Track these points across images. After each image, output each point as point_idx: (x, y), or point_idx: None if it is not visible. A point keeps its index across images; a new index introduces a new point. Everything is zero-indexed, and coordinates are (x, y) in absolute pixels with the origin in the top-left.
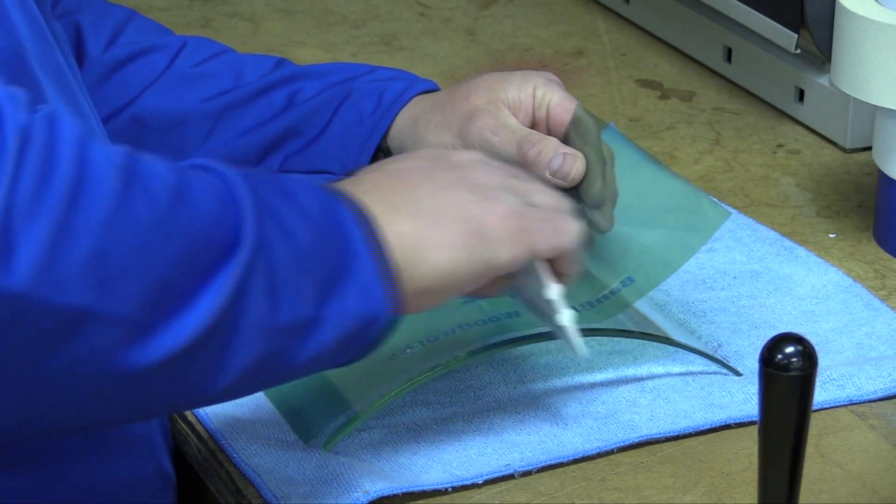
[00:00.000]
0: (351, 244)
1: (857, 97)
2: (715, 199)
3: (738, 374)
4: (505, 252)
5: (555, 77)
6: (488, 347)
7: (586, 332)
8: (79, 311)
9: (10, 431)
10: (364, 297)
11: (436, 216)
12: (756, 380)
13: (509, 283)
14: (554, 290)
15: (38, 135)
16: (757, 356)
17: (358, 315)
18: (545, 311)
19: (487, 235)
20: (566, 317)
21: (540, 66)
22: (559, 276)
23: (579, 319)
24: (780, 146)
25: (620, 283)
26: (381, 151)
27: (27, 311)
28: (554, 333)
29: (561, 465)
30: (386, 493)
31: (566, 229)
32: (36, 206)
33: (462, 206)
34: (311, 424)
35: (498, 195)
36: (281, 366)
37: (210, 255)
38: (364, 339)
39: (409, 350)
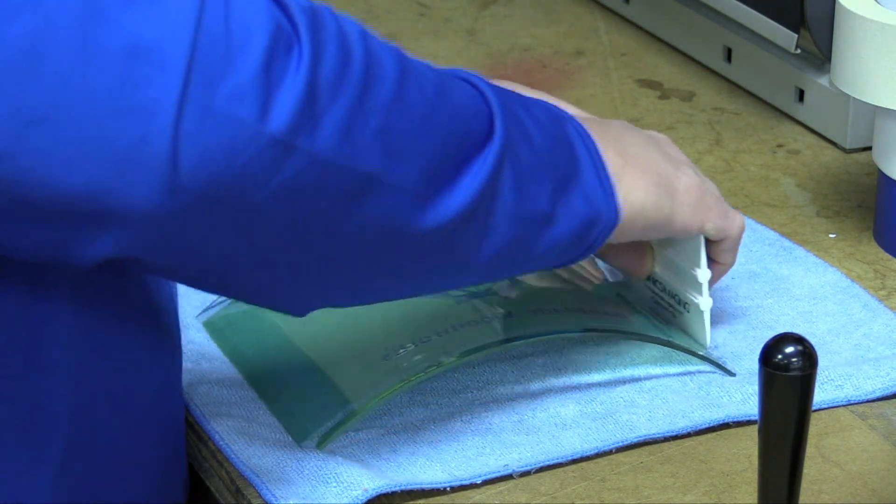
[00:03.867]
0: (576, 154)
1: (857, 97)
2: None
3: (732, 374)
4: (684, 216)
5: None
6: (482, 348)
7: (582, 332)
8: (370, 175)
9: (306, 299)
10: (588, 200)
11: (637, 160)
12: (754, 380)
13: (662, 259)
14: (705, 273)
15: (329, 21)
16: (754, 356)
17: (583, 216)
18: (684, 293)
19: (674, 195)
20: (706, 302)
21: (540, 66)
22: (713, 263)
23: (579, 320)
24: (780, 146)
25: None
26: None
27: (330, 174)
28: (680, 321)
29: (560, 465)
30: (385, 490)
31: (735, 217)
32: (338, 85)
33: (658, 163)
34: (306, 424)
35: (685, 168)
36: (525, 252)
37: (471, 142)
38: (587, 239)
39: (402, 350)
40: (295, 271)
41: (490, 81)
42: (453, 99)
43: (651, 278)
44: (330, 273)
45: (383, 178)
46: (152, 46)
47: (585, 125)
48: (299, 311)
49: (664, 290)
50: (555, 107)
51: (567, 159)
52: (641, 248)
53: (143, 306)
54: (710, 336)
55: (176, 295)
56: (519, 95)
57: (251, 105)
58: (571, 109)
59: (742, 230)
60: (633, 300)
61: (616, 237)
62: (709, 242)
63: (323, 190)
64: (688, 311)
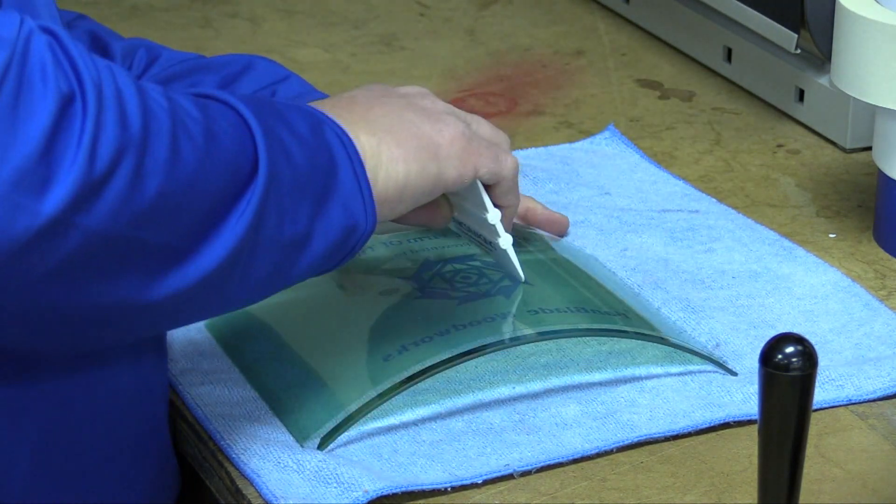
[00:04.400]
0: (335, 162)
1: (857, 97)
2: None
3: (733, 374)
4: (453, 169)
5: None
6: (483, 348)
7: (584, 332)
8: (141, 242)
9: (51, 350)
10: (346, 209)
11: (390, 132)
12: (755, 379)
13: (455, 210)
14: (494, 215)
15: (108, 86)
16: (755, 356)
17: (342, 226)
18: (486, 235)
19: (438, 152)
20: (505, 240)
21: (540, 66)
22: (498, 206)
23: (581, 320)
24: (780, 146)
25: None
26: None
27: (103, 245)
28: (497, 264)
29: (560, 465)
30: (385, 492)
31: (506, 158)
32: (118, 156)
33: (414, 126)
34: (306, 425)
35: (445, 118)
36: (285, 275)
37: (237, 183)
38: (346, 246)
39: (403, 351)
40: (67, 334)
41: (244, 97)
42: (220, 139)
43: (457, 221)
44: (89, 330)
45: (153, 242)
46: None
47: (335, 112)
48: (63, 356)
49: (471, 231)
50: (313, 110)
51: (326, 170)
52: (433, 201)
53: None
54: (521, 271)
55: None
56: (278, 108)
57: (31, 184)
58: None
59: (515, 170)
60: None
61: (390, 215)
62: (488, 187)
63: (94, 262)
64: (495, 250)
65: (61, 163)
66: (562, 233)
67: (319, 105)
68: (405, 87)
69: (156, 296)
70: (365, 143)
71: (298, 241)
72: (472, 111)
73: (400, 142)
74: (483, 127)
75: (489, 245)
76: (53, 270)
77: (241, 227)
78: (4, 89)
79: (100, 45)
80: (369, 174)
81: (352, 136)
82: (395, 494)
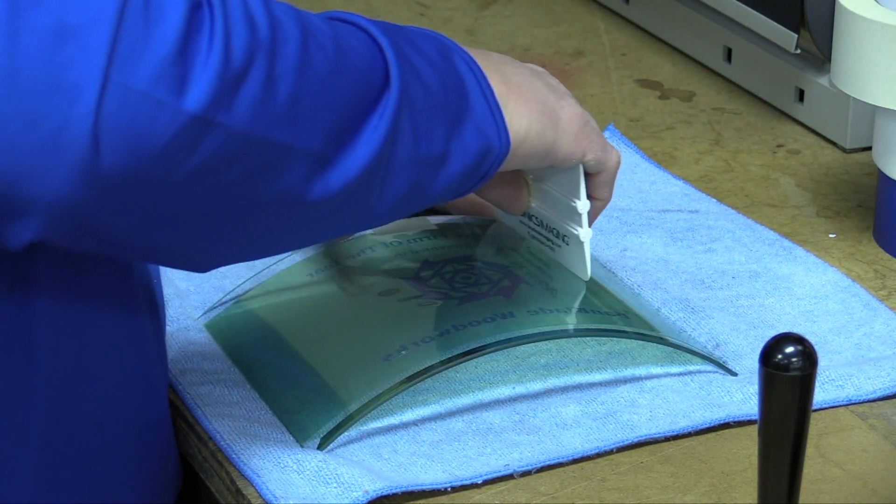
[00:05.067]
0: (467, 88)
1: (857, 97)
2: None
3: (733, 374)
4: (566, 144)
5: None
6: (483, 348)
7: (584, 332)
8: (283, 145)
9: (214, 259)
10: (481, 132)
11: (520, 89)
12: (755, 379)
13: (538, 193)
14: (585, 204)
15: None
16: (755, 356)
17: (477, 148)
18: (563, 225)
19: (557, 124)
20: (587, 233)
21: (540, 66)
22: (590, 197)
23: (580, 320)
24: (780, 146)
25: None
26: None
27: (247, 146)
28: (559, 255)
29: (560, 465)
30: (385, 492)
31: (612, 150)
32: (250, 56)
33: (540, 93)
34: (306, 425)
35: (568, 98)
36: (422, 194)
37: (370, 95)
38: (480, 170)
39: (403, 351)
40: (207, 238)
41: (379, 21)
42: (350, 52)
43: (527, 213)
44: (241, 236)
45: (294, 145)
46: (78, 27)
47: (470, 52)
48: (205, 269)
49: (541, 224)
50: (441, 37)
51: (458, 93)
52: (517, 182)
53: (122, 294)
54: (590, 267)
55: (159, 283)
56: (407, 32)
57: (170, 83)
58: None
59: (618, 164)
60: (508, 238)
61: (508, 165)
62: (587, 176)
63: (238, 164)
64: (567, 244)
65: (196, 62)
66: None
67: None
68: (531, 63)
69: (303, 202)
70: (497, 86)
71: (435, 161)
72: None
73: (526, 100)
74: (594, 122)
75: (556, 241)
76: (199, 169)
77: (377, 139)
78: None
79: None
80: (503, 111)
81: (486, 76)
82: (395, 494)
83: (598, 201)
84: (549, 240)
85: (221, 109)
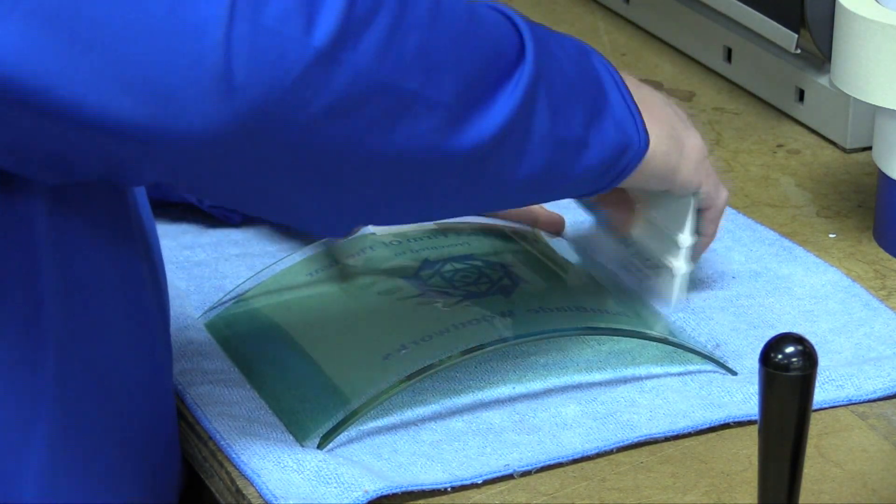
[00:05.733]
0: (604, 85)
1: (857, 97)
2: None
3: (733, 373)
4: (687, 172)
5: None
6: (483, 347)
7: (583, 331)
8: (411, 92)
9: (345, 221)
10: (619, 128)
11: (653, 110)
12: (755, 379)
13: (643, 221)
14: (688, 239)
15: None
16: (755, 356)
17: (615, 143)
18: (659, 256)
19: (682, 150)
20: (682, 266)
21: None
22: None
23: (580, 319)
24: (780, 146)
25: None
26: None
27: (374, 90)
28: (643, 284)
29: (560, 465)
30: (385, 492)
31: (724, 190)
32: (377, 2)
33: (671, 119)
34: (306, 424)
35: (693, 130)
36: (560, 176)
37: (504, 63)
38: (617, 166)
39: (403, 350)
40: (335, 193)
41: (515, 12)
42: (485, 20)
43: (623, 239)
44: (369, 194)
45: (422, 95)
46: None
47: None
48: (338, 232)
49: (636, 253)
50: (581, 41)
51: (596, 88)
52: (629, 205)
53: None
54: (676, 300)
55: (165, 281)
56: (545, 28)
57: (297, 20)
58: None
59: (726, 203)
60: (601, 261)
61: (633, 181)
62: (696, 211)
63: (367, 108)
64: (658, 276)
65: (323, 2)
66: (560, 232)
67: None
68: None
69: (436, 154)
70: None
71: (575, 144)
72: None
73: (657, 119)
74: (711, 158)
75: (647, 271)
76: (329, 108)
77: (512, 105)
78: None
79: None
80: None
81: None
82: (395, 494)
83: (704, 237)
84: (638, 269)
85: (347, 49)
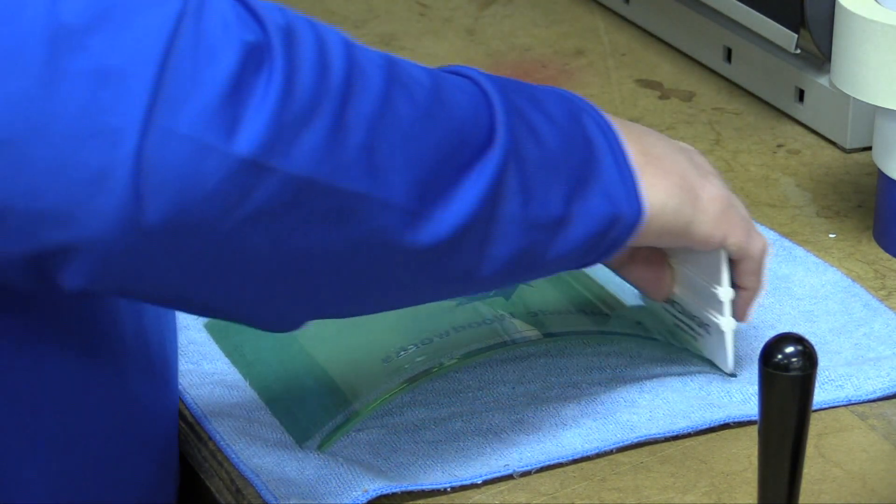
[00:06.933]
0: (595, 148)
1: (857, 97)
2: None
3: (733, 374)
4: (705, 225)
5: None
6: (484, 349)
7: (584, 333)
8: (355, 193)
9: (294, 316)
10: (609, 198)
11: (660, 160)
12: (755, 379)
13: (681, 278)
14: (727, 292)
15: (307, 34)
16: (755, 356)
17: (603, 215)
18: (704, 313)
19: (697, 203)
20: (729, 323)
21: (540, 66)
22: (735, 286)
23: (580, 321)
24: (780, 146)
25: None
26: None
27: (310, 194)
28: (702, 344)
29: (560, 465)
30: (385, 491)
31: (758, 237)
32: (316, 101)
33: (682, 167)
34: (305, 425)
35: (712, 178)
36: (536, 259)
37: (468, 150)
38: (607, 239)
39: (403, 353)
40: (279, 290)
41: (498, 77)
42: (450, 105)
43: (670, 300)
44: (318, 290)
45: (369, 195)
46: (119, 70)
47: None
48: (287, 327)
49: (683, 311)
50: (573, 97)
51: (584, 155)
52: (660, 266)
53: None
54: (732, 359)
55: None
56: (531, 89)
57: (218, 126)
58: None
59: (764, 252)
60: (651, 325)
61: (641, 239)
62: (732, 263)
63: (303, 210)
64: (709, 334)
65: (250, 104)
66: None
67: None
68: (682, 142)
69: (389, 252)
70: (633, 154)
71: (552, 225)
72: None
73: (665, 172)
74: (741, 205)
75: (698, 330)
76: (255, 215)
77: (476, 195)
78: (181, 39)
79: None
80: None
81: (622, 140)
82: (394, 494)
83: (745, 290)
84: (691, 328)
85: (277, 154)
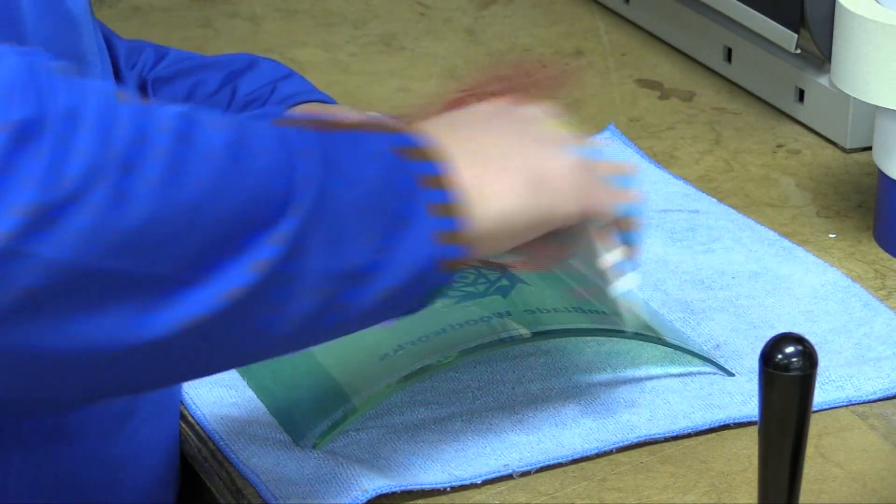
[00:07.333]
0: (410, 192)
1: (857, 97)
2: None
3: (730, 374)
4: (564, 204)
5: None
6: (481, 347)
7: (582, 332)
8: (122, 272)
9: (77, 401)
10: (424, 243)
11: (499, 162)
12: (755, 380)
13: (568, 250)
14: (607, 259)
15: (89, 108)
16: (755, 356)
17: (417, 261)
18: (600, 280)
19: (548, 185)
20: (618, 286)
21: (540, 66)
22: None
23: (580, 321)
24: (780, 146)
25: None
26: None
27: (76, 278)
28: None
29: (560, 465)
30: (384, 491)
31: (625, 193)
32: (89, 177)
33: (526, 155)
34: (304, 424)
35: (557, 148)
36: (343, 312)
37: (264, 210)
38: (421, 287)
39: (399, 350)
40: (57, 376)
41: (319, 121)
42: (246, 163)
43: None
44: (67, 381)
45: (141, 271)
46: None
47: (434, 136)
48: (56, 412)
49: (585, 282)
50: (400, 134)
51: (397, 201)
52: (543, 237)
53: None
54: (629, 321)
55: None
56: (351, 132)
57: None
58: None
59: (635, 204)
60: (626, 317)
61: (494, 251)
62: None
63: (71, 295)
64: (611, 294)
65: (7, 187)
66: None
67: (417, 127)
68: (527, 107)
69: (146, 335)
70: (470, 173)
71: (358, 274)
72: None
73: (506, 170)
74: (595, 162)
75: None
76: (12, 306)
77: (268, 256)
78: None
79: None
80: (466, 208)
81: (448, 165)
82: (394, 494)
83: (628, 246)
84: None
85: (34, 241)
